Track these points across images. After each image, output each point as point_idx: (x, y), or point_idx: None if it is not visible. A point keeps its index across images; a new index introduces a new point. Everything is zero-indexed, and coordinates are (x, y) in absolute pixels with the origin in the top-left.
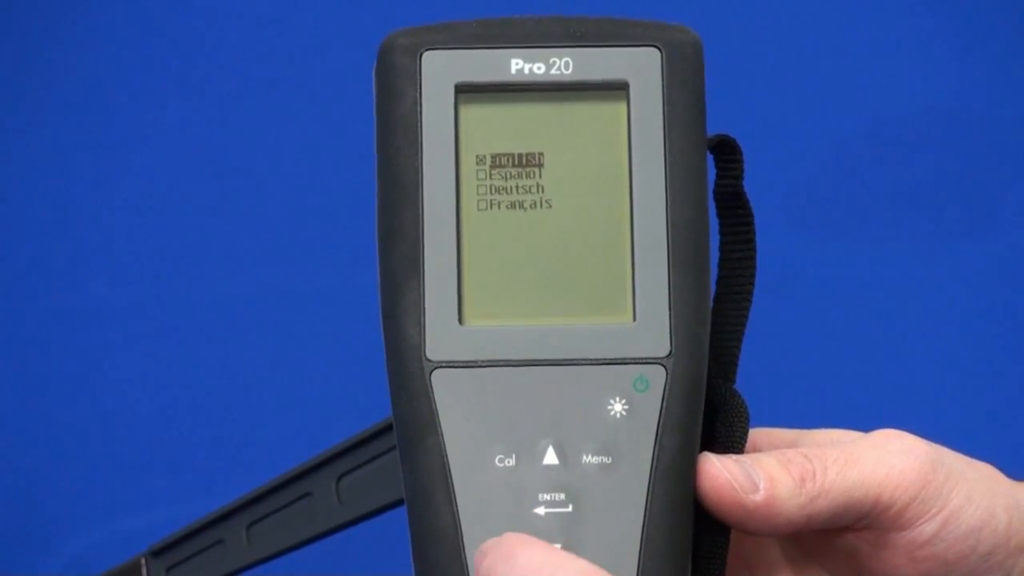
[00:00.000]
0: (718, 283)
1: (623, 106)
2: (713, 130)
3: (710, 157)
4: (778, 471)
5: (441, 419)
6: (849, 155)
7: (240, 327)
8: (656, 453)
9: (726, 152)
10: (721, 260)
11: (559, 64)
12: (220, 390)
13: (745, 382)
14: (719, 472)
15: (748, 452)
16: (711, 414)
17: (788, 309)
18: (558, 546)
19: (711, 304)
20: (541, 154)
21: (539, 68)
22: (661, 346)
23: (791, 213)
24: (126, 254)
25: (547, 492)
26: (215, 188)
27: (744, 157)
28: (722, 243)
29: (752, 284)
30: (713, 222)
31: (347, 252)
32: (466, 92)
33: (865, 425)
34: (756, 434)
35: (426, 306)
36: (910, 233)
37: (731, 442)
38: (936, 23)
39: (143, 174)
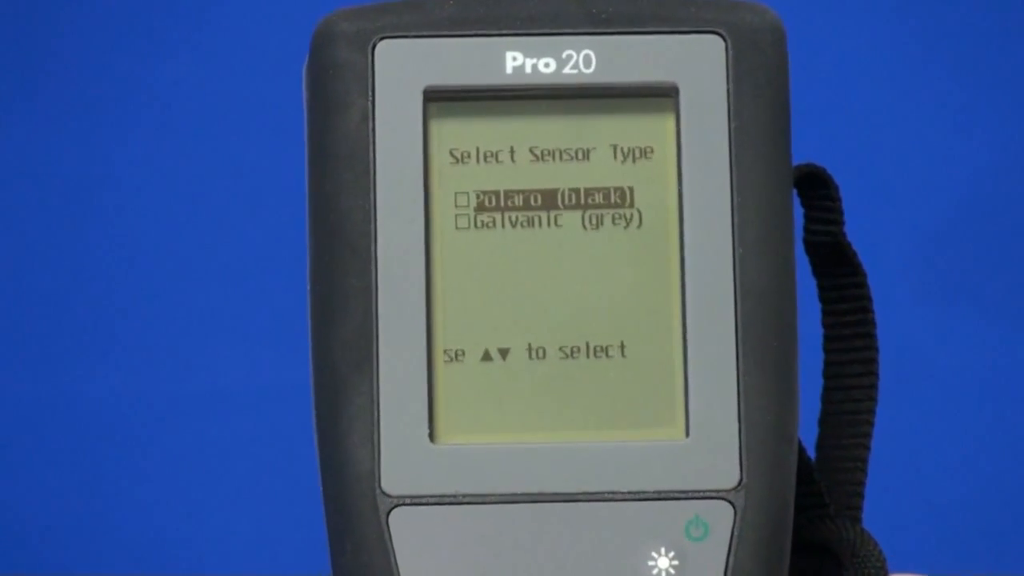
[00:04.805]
0: (826, 375)
1: (670, 120)
2: (797, 157)
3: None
4: None
5: None
6: (995, 200)
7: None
8: None
9: (815, 188)
10: (827, 340)
11: (576, 59)
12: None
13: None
14: None
15: None
16: (829, 566)
17: (917, 405)
18: None
19: (799, 410)
20: (551, 192)
21: (547, 66)
22: (727, 473)
23: (917, 279)
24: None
25: None
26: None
27: (841, 195)
28: (825, 315)
29: (875, 374)
30: (803, 288)
31: (260, 338)
32: (441, 101)
33: None
34: None
35: (381, 415)
36: None
37: None
38: None
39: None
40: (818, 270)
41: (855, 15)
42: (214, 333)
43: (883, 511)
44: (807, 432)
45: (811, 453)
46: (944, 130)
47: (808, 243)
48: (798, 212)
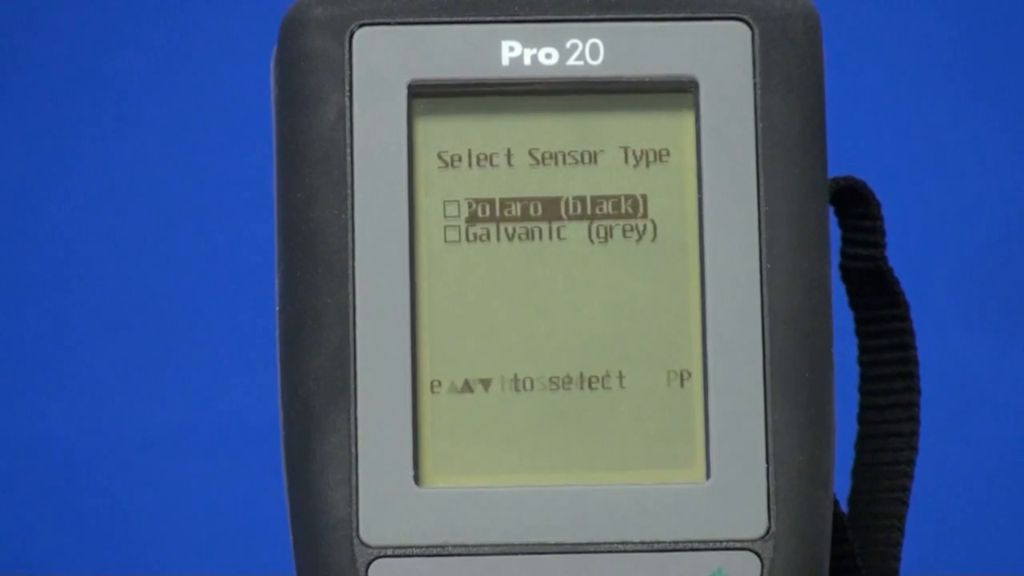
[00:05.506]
0: (862, 420)
1: (688, 119)
2: (832, 167)
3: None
4: None
5: None
6: None
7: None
8: None
9: (853, 205)
10: (863, 381)
11: (582, 50)
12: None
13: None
14: None
15: None
16: None
17: (967, 446)
18: None
19: (836, 451)
20: (553, 200)
21: (548, 57)
22: (753, 521)
23: (967, 310)
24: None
25: None
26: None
27: (883, 214)
28: (861, 352)
29: (916, 420)
30: (836, 320)
31: (224, 366)
32: (428, 97)
33: None
34: None
35: (360, 454)
36: None
37: None
38: None
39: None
40: (855, 300)
41: (897, 4)
42: (173, 361)
43: (932, 568)
44: (838, 486)
45: (843, 508)
46: (998, 138)
47: (844, 268)
48: (833, 233)
